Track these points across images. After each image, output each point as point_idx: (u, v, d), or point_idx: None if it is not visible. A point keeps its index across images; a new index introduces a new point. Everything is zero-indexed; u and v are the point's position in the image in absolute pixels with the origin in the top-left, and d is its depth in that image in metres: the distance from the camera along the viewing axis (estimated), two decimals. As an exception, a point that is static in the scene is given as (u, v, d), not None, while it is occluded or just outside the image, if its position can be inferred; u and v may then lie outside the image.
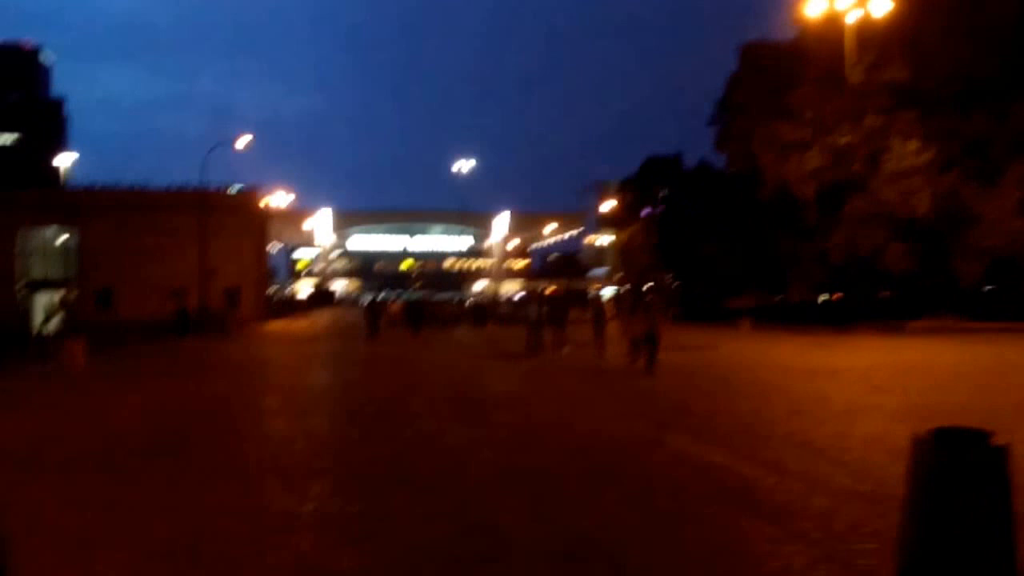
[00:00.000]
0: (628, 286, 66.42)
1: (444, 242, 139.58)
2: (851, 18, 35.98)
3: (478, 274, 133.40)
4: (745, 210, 43.51)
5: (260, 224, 59.59)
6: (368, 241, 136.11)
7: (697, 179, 53.18)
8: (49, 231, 56.53)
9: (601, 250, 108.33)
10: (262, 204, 59.80)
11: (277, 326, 48.97)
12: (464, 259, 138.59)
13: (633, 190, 63.14)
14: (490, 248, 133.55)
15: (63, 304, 24.26)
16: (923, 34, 35.50)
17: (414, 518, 6.51)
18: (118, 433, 11.05)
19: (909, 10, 35.33)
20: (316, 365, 22.76)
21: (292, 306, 75.53)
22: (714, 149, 49.74)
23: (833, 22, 36.69)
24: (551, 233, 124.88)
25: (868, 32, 36.29)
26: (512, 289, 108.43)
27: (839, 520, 6.27)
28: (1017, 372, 18.87)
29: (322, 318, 60.67)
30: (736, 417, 11.93)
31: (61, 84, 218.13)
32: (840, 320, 37.23)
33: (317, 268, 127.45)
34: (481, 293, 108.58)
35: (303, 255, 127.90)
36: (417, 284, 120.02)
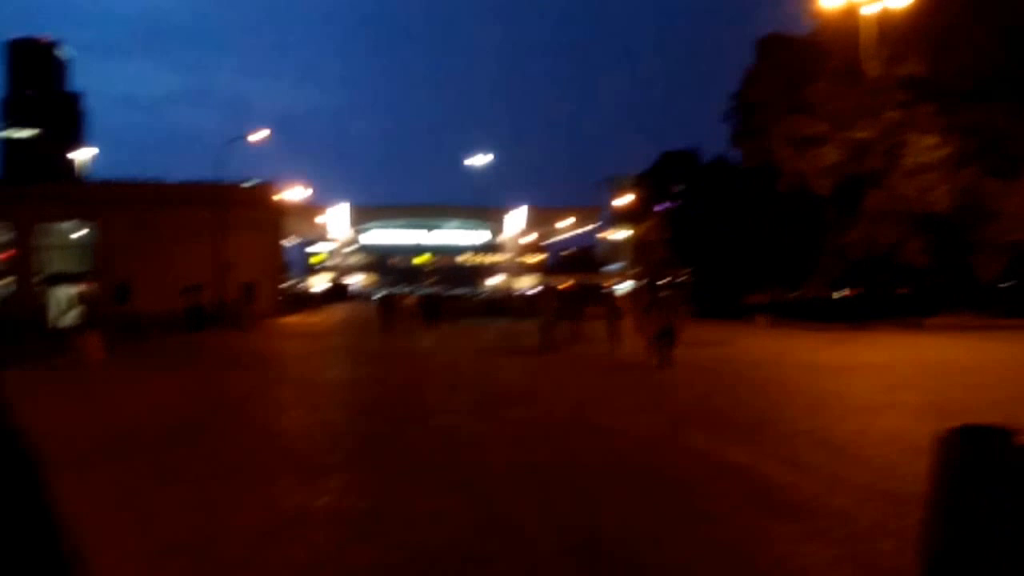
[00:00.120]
0: (644, 281, 66.27)
1: (460, 237, 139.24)
2: (869, 11, 35.70)
3: (493, 269, 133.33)
4: (762, 205, 43.24)
5: (276, 218, 59.74)
6: (384, 236, 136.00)
7: (713, 174, 52.78)
8: (66, 225, 56.83)
9: (616, 245, 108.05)
10: (278, 199, 59.98)
11: (292, 320, 49.20)
12: (479, 254, 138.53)
13: (649, 185, 62.86)
14: (505, 243, 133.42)
15: (82, 298, 24.44)
16: (941, 27, 35.15)
17: (428, 513, 6.47)
18: (134, 425, 11.07)
19: (927, 3, 34.98)
20: (330, 359, 22.80)
21: (306, 300, 75.65)
22: (731, 144, 49.46)
23: (851, 15, 36.38)
24: (566, 228, 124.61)
25: (886, 25, 35.94)
26: (527, 284, 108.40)
27: (861, 518, 6.18)
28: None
29: (336, 313, 60.82)
30: (754, 413, 11.84)
31: (79, 79, 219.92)
32: (857, 316, 36.99)
33: (332, 263, 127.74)
34: (496, 288, 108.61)
35: (319, 249, 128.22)
36: (432, 279, 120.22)
